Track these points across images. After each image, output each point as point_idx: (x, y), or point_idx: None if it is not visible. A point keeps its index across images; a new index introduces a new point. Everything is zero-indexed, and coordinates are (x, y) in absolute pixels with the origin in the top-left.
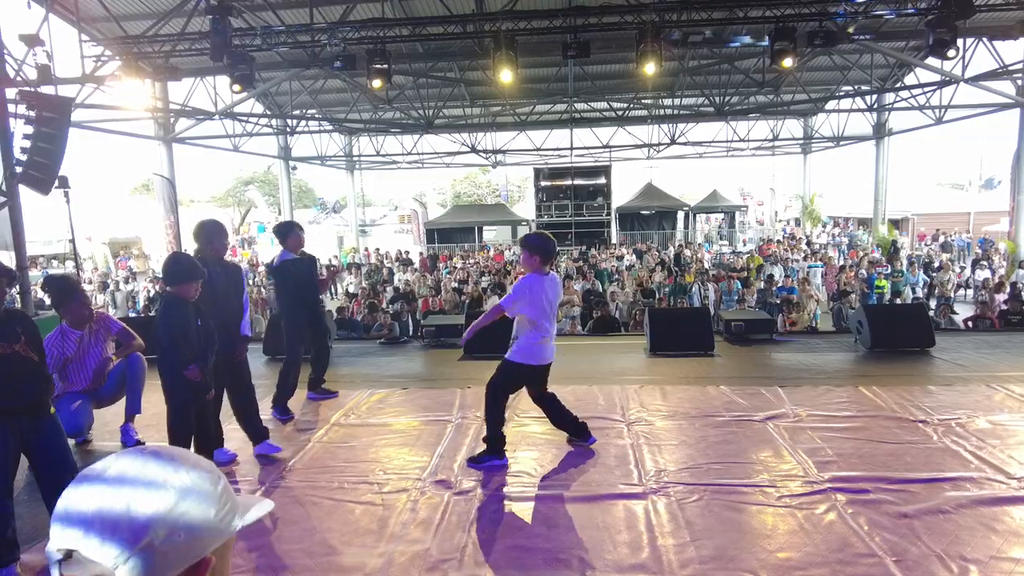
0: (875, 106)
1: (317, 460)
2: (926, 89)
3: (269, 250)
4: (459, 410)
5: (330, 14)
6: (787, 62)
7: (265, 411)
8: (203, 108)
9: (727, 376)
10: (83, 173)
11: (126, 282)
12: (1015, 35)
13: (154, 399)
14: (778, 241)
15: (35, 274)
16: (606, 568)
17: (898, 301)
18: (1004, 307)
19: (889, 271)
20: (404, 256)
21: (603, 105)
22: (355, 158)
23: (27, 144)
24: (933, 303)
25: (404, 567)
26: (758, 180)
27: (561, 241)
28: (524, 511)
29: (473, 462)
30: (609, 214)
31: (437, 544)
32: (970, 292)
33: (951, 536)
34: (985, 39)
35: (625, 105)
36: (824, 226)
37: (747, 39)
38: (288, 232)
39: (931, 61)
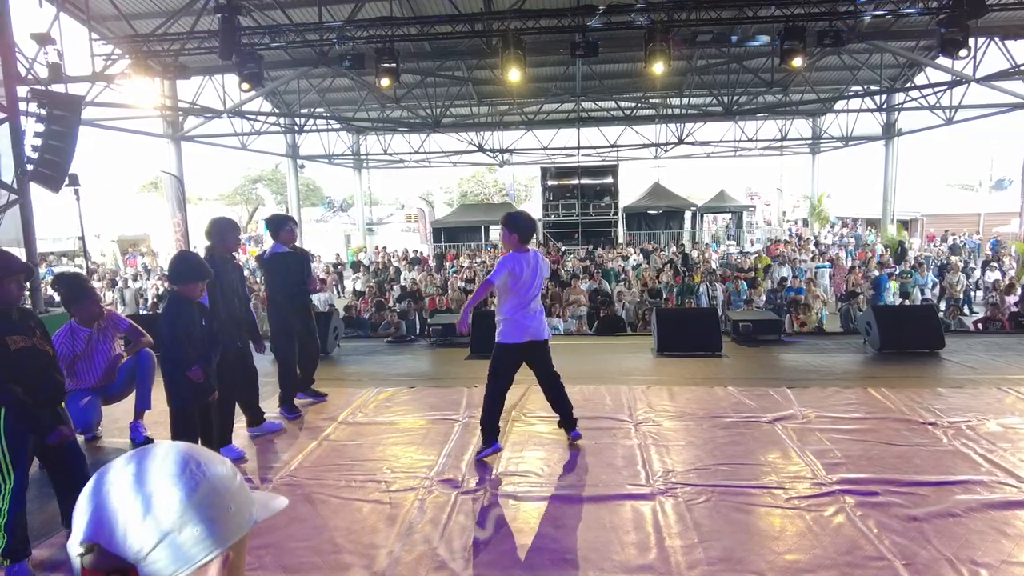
0: (884, 106)
1: (325, 458)
2: (936, 89)
3: None
4: (466, 409)
5: (339, 13)
6: (796, 62)
7: (273, 410)
8: (212, 106)
9: (735, 377)
10: (92, 171)
11: (135, 279)
12: None
13: (163, 396)
14: (785, 241)
15: (42, 271)
16: (614, 569)
17: (906, 302)
18: (1015, 309)
19: (896, 272)
20: (413, 255)
21: (611, 104)
22: (362, 157)
23: (38, 142)
24: (943, 304)
25: (411, 566)
26: (766, 180)
27: (568, 240)
28: (531, 511)
29: (478, 455)
30: (616, 214)
31: (444, 543)
32: (979, 294)
33: (962, 540)
34: (997, 39)
35: (633, 104)
36: (832, 226)
37: (764, 39)
38: (281, 225)
39: (942, 61)
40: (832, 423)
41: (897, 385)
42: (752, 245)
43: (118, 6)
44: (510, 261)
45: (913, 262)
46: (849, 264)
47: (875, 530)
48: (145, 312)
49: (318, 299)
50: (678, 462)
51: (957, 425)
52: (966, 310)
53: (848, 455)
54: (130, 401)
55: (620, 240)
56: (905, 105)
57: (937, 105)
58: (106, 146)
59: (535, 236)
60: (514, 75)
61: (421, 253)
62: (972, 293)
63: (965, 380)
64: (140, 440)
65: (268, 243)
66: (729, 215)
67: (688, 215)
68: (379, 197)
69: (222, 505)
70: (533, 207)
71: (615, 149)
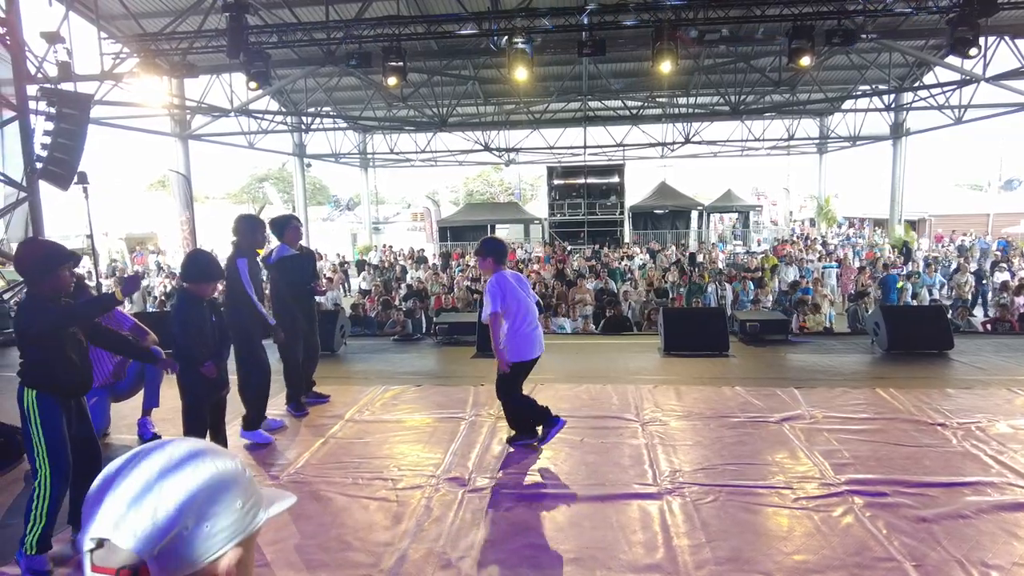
0: (893, 105)
1: (332, 456)
2: (945, 88)
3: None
4: (472, 407)
5: (346, 12)
6: (804, 61)
7: (280, 409)
8: (219, 105)
9: (742, 377)
10: (100, 169)
11: (143, 277)
12: None
13: (171, 393)
14: (792, 242)
15: None
16: (621, 568)
17: (914, 303)
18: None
19: (904, 272)
20: (419, 254)
21: (617, 104)
22: (369, 156)
23: (47, 140)
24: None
25: (418, 564)
26: (773, 180)
27: (574, 240)
28: (538, 509)
29: (511, 440)
30: (622, 213)
31: (451, 541)
32: (989, 295)
33: (972, 541)
34: (1007, 37)
35: (639, 104)
36: (839, 227)
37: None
38: (285, 226)
39: (951, 60)
40: (840, 423)
41: (905, 386)
42: (759, 245)
43: (127, 5)
44: (497, 282)
45: (921, 262)
46: (857, 264)
47: (884, 531)
48: (152, 310)
49: (326, 297)
50: (685, 462)
51: (967, 426)
52: (979, 311)
53: (856, 455)
54: (138, 398)
55: (626, 239)
56: (914, 105)
57: (946, 105)
58: (114, 144)
59: (507, 256)
60: (521, 74)
61: (422, 251)
62: (988, 294)
63: (974, 381)
64: (148, 437)
65: (275, 241)
66: (736, 215)
67: (695, 215)
68: (385, 196)
69: (231, 501)
70: (539, 206)
71: (621, 148)
